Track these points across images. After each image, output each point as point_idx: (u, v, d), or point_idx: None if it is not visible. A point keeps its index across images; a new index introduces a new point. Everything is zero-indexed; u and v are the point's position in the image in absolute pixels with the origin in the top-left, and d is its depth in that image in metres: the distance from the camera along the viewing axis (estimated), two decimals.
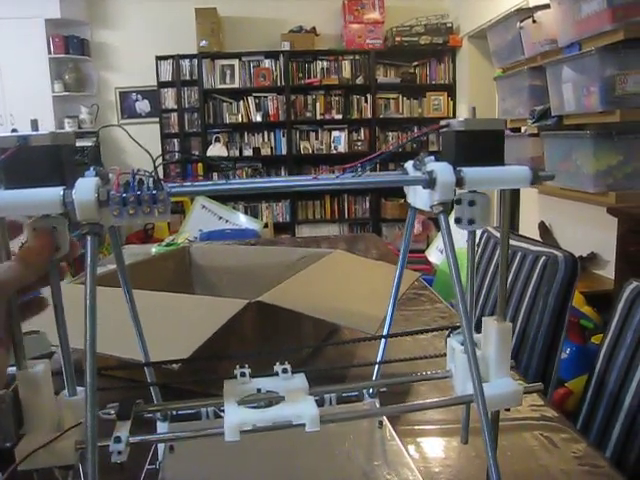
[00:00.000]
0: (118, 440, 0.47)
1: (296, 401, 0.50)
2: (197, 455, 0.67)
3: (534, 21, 3.13)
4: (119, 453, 0.47)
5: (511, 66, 3.64)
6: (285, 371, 0.54)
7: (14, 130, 0.44)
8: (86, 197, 0.41)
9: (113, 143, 5.66)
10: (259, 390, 0.53)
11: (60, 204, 0.42)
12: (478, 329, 0.55)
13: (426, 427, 0.86)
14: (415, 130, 5.69)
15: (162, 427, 0.69)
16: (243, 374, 0.54)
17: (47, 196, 0.42)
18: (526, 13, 3.23)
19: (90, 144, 5.36)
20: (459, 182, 0.44)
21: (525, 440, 0.81)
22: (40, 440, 0.47)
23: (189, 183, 0.46)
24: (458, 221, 0.47)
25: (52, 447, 0.46)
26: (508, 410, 0.53)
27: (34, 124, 0.44)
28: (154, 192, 0.42)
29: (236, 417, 0.47)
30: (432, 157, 0.47)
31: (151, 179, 0.43)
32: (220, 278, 1.41)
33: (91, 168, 0.44)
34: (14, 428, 0.48)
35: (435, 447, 0.82)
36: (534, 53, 3.20)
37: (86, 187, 0.42)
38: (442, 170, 0.44)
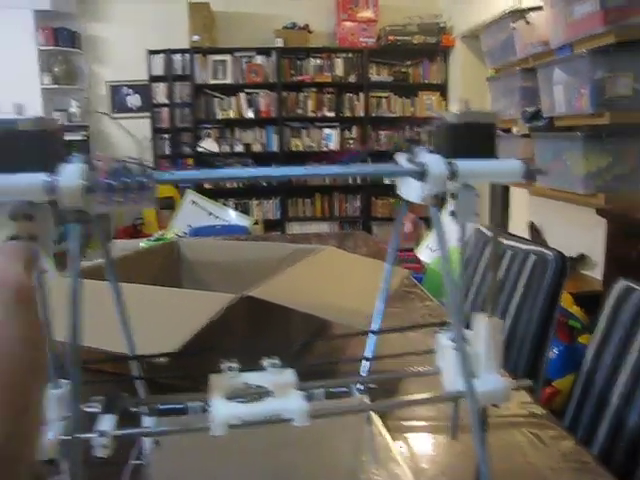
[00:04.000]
0: (102, 434, 0.46)
1: (285, 396, 0.50)
2: (184, 450, 0.67)
3: (527, 22, 3.14)
4: (103, 447, 0.46)
5: (503, 67, 3.65)
6: (273, 366, 0.53)
7: None
8: (72, 183, 0.40)
9: (103, 137, 5.63)
10: (246, 384, 0.52)
11: (44, 190, 0.41)
12: (467, 327, 0.55)
13: (415, 423, 0.86)
14: (407, 129, 5.69)
15: (148, 422, 0.68)
16: (231, 368, 0.53)
17: (31, 181, 0.41)
18: (519, 14, 3.24)
19: (80, 138, 5.32)
20: (452, 174, 0.44)
21: (513, 437, 0.81)
22: None
23: (186, 172, 0.46)
24: (453, 214, 0.46)
25: None
26: (496, 406, 0.53)
27: (18, 108, 0.43)
28: (142, 179, 0.41)
29: (223, 411, 0.47)
30: (425, 149, 0.46)
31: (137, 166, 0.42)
32: (209, 273, 1.40)
33: (77, 155, 0.44)
34: None
35: (424, 443, 0.81)
36: (526, 54, 3.21)
37: (72, 173, 0.41)
38: (434, 162, 0.44)
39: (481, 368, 0.52)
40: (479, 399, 0.51)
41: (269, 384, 0.52)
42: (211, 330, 0.81)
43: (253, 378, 0.53)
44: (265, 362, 0.55)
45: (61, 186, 0.40)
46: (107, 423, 0.47)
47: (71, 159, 0.43)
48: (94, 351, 0.79)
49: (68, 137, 5.26)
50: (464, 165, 0.44)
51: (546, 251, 1.30)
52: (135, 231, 5.29)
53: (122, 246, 2.42)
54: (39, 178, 0.41)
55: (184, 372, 0.86)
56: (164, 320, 0.85)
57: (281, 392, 0.50)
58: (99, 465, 0.49)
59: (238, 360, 0.56)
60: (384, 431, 0.73)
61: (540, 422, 0.85)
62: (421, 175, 0.44)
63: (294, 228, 5.70)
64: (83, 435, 0.45)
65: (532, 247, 1.38)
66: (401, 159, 0.49)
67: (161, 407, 0.58)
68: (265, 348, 0.94)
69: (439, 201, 0.44)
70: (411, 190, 0.47)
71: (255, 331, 0.95)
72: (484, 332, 0.52)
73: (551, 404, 2.46)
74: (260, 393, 0.51)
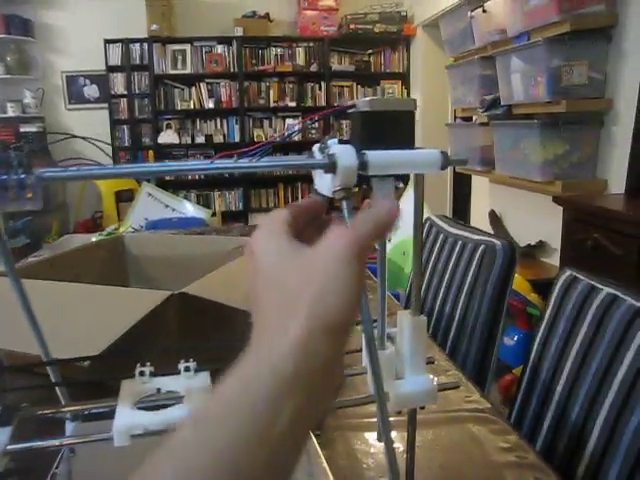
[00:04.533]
0: None
1: (195, 401, 0.47)
2: (99, 456, 0.63)
3: (484, 11, 3.14)
4: None
5: (462, 55, 3.65)
6: (187, 369, 0.50)
7: None
8: None
9: (60, 129, 5.48)
10: (159, 390, 0.49)
11: None
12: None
13: (354, 421, 0.83)
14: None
15: (70, 427, 0.65)
16: (142, 373, 0.50)
17: None
18: (477, 3, 3.24)
19: (35, 130, 5.16)
20: (362, 166, 0.41)
21: (456, 433, 0.80)
22: None
23: (73, 168, 0.42)
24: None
25: None
26: (422, 408, 0.51)
27: None
28: (22, 176, 0.38)
29: (126, 420, 0.44)
30: (335, 140, 0.43)
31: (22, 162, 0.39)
32: (155, 268, 1.36)
33: None
34: None
35: (362, 442, 0.79)
36: (484, 43, 3.21)
37: None
38: (344, 153, 0.41)
39: (406, 368, 0.50)
40: (404, 401, 0.49)
41: (182, 389, 0.49)
42: (145, 329, 0.78)
43: (166, 383, 0.50)
44: (180, 365, 0.52)
45: None
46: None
47: None
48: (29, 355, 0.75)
49: (23, 129, 5.10)
50: (376, 156, 0.42)
51: (495, 241, 1.29)
52: (94, 225, 5.18)
53: (74, 240, 2.35)
54: None
55: (111, 373, 0.83)
56: (94, 319, 0.81)
57: (193, 397, 0.48)
58: (15, 474, 0.46)
59: (172, 360, 0.53)
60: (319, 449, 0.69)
61: (483, 417, 0.84)
62: (331, 167, 0.41)
63: (257, 219, 5.64)
64: None
65: (482, 237, 1.37)
66: (315, 150, 0.46)
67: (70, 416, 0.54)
68: (201, 347, 0.91)
69: (350, 194, 0.42)
70: (324, 183, 0.44)
71: (192, 329, 0.92)
72: (408, 331, 0.50)
73: (510, 392, 2.49)
74: (171, 399, 0.48)
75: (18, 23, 5.14)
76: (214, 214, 4.15)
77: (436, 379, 0.51)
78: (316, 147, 0.47)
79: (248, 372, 0.31)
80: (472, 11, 3.28)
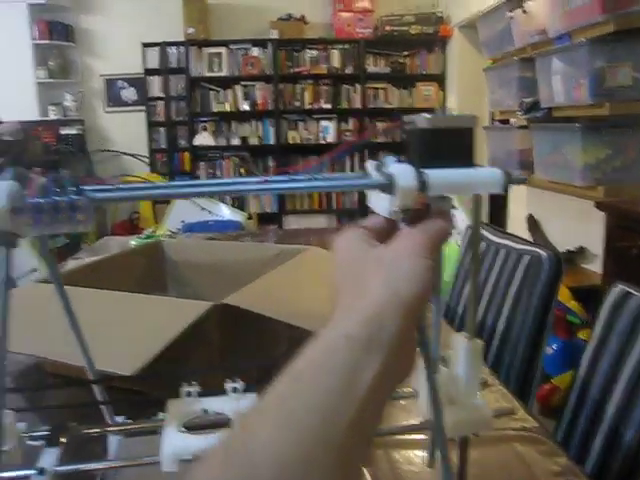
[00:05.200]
0: (42, 471, 0.42)
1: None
2: (145, 472, 0.63)
3: (524, 11, 3.08)
4: None
5: (501, 57, 3.59)
6: (235, 390, 0.49)
7: None
8: None
9: (98, 131, 5.57)
10: (206, 411, 0.48)
11: None
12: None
13: (398, 437, 0.81)
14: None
15: (113, 442, 0.64)
16: (189, 393, 0.49)
17: None
18: (516, 3, 3.18)
19: (75, 132, 5.26)
20: (422, 187, 0.40)
21: (502, 453, 0.77)
22: None
23: (120, 185, 0.41)
24: None
25: None
26: (476, 435, 0.49)
27: None
28: (73, 198, 0.37)
29: (174, 445, 0.43)
30: (393, 158, 0.42)
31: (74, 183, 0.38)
32: (194, 275, 1.36)
33: (9, 169, 0.39)
34: None
35: (408, 461, 0.77)
36: (524, 44, 3.15)
37: None
38: (402, 173, 0.39)
39: (461, 393, 0.48)
40: (457, 428, 0.47)
41: (229, 411, 0.48)
42: (186, 340, 0.78)
43: (213, 404, 0.49)
44: (227, 385, 0.51)
45: None
46: (48, 459, 0.43)
47: (1, 174, 0.39)
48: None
49: (63, 131, 5.21)
50: (436, 176, 0.40)
51: (541, 251, 1.26)
52: (132, 226, 5.25)
53: (111, 243, 2.38)
54: None
55: (151, 386, 0.82)
56: (135, 331, 0.81)
57: None
58: None
59: (212, 372, 0.52)
60: None
61: (531, 436, 0.81)
62: (388, 187, 0.39)
63: (291, 221, 5.65)
64: (11, 474, 0.41)
65: (526, 247, 1.33)
66: (370, 168, 0.45)
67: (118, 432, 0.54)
68: (241, 358, 0.90)
69: (408, 215, 0.40)
70: (379, 202, 0.43)
71: (233, 340, 0.91)
72: (464, 355, 0.48)
73: (549, 401, 2.43)
74: (218, 421, 0.47)
75: (60, 29, 5.25)
76: (250, 217, 4.16)
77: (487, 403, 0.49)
78: (370, 164, 0.45)
79: (326, 339, 0.34)
80: (511, 11, 3.22)
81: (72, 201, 0.37)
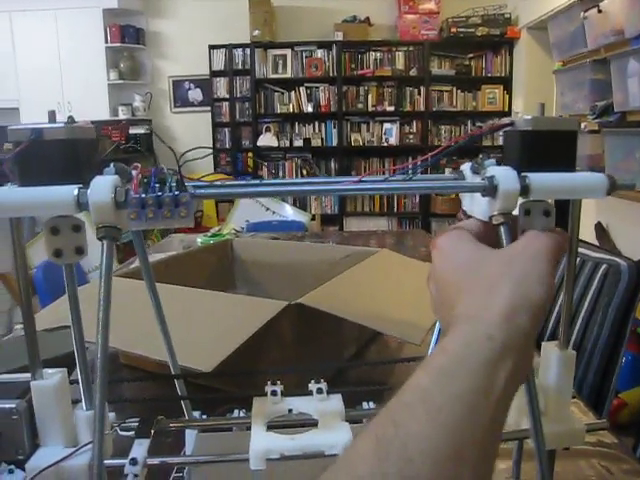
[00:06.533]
0: (134, 462, 0.43)
1: (330, 428, 0.45)
2: (225, 467, 0.64)
3: (599, 11, 2.98)
4: (135, 476, 0.43)
5: (572, 59, 3.48)
6: (320, 391, 0.49)
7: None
8: (102, 198, 0.37)
9: (165, 131, 5.72)
10: (290, 411, 0.48)
11: (74, 205, 0.38)
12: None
13: None
14: (469, 125, 5.53)
15: (190, 436, 0.65)
16: (274, 392, 0.49)
17: (60, 196, 0.38)
18: (590, 2, 3.08)
19: (143, 131, 5.43)
20: (524, 190, 0.38)
21: (581, 469, 0.74)
22: (52, 457, 0.43)
23: (219, 183, 0.42)
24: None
25: (64, 465, 0.43)
26: (567, 449, 0.47)
27: (51, 115, 0.40)
28: (176, 194, 0.37)
29: (263, 444, 0.43)
30: (493, 160, 0.41)
31: (174, 178, 0.39)
32: (262, 274, 1.38)
33: (111, 165, 0.40)
34: (28, 440, 0.45)
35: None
36: (598, 45, 3.04)
37: (102, 187, 0.38)
38: (505, 176, 0.38)
39: (550, 405, 0.47)
40: (547, 441, 0.45)
41: (314, 412, 0.48)
42: (260, 337, 0.78)
43: (298, 404, 0.49)
44: (311, 385, 0.51)
45: (90, 201, 0.37)
46: (140, 449, 0.44)
47: (105, 169, 0.40)
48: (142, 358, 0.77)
49: (132, 131, 5.38)
50: (539, 180, 0.39)
51: (619, 261, 1.21)
52: (195, 224, 5.36)
53: (181, 240, 2.44)
54: (68, 192, 0.38)
55: (230, 380, 0.83)
56: (213, 328, 0.82)
57: (327, 422, 0.46)
58: None
59: (288, 372, 0.53)
60: None
61: (611, 453, 0.78)
62: (490, 191, 0.38)
63: (351, 223, 5.64)
64: (110, 462, 0.42)
65: (603, 255, 1.28)
66: (466, 170, 0.44)
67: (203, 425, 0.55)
68: (313, 358, 0.90)
69: (509, 219, 0.39)
70: (477, 206, 0.42)
71: (305, 339, 0.91)
72: (556, 366, 0.46)
73: (617, 417, 2.34)
74: (304, 422, 0.47)
75: (132, 32, 5.43)
76: (313, 218, 4.16)
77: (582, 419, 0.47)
78: (466, 167, 0.44)
79: (466, 336, 0.35)
80: (585, 11, 3.12)
81: (176, 196, 0.37)
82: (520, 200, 0.39)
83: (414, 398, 0.33)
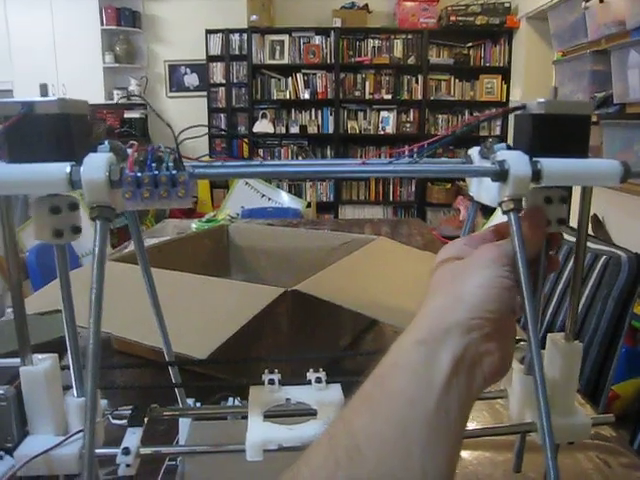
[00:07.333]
0: (126, 451, 0.41)
1: (329, 418, 0.44)
2: (220, 455, 0.62)
3: (601, 1, 2.95)
4: (127, 466, 0.41)
5: (572, 49, 3.45)
6: (319, 380, 0.48)
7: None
8: (95, 176, 0.35)
9: (160, 115, 5.67)
10: (288, 400, 0.47)
11: (66, 183, 0.36)
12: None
13: (475, 440, 0.79)
14: (466, 114, 5.50)
15: (184, 424, 0.64)
16: (272, 381, 0.48)
17: (52, 173, 0.36)
18: None
19: (138, 116, 5.38)
20: (535, 175, 0.37)
21: (579, 462, 0.74)
22: (42, 445, 0.42)
23: (219, 163, 0.40)
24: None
25: (53, 453, 0.41)
26: (571, 443, 0.46)
27: (43, 89, 0.38)
28: (173, 173, 0.36)
29: (260, 434, 0.42)
30: (503, 144, 0.39)
31: (172, 157, 0.37)
32: (258, 260, 1.36)
33: (105, 142, 0.39)
34: (16, 427, 0.44)
35: (483, 465, 0.75)
36: (599, 36, 3.02)
37: (96, 164, 0.36)
38: (516, 160, 0.37)
39: (556, 398, 0.46)
40: (555, 434, 0.44)
41: (313, 401, 0.47)
42: (256, 324, 0.77)
43: (295, 393, 0.48)
44: (310, 374, 0.50)
45: (84, 179, 0.35)
46: (133, 438, 0.43)
47: (99, 146, 0.39)
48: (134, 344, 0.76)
49: (127, 115, 5.33)
50: (551, 165, 0.37)
51: (619, 252, 1.20)
52: (189, 209, 5.33)
53: (175, 225, 2.42)
54: (60, 169, 0.36)
55: (225, 366, 0.82)
56: (209, 314, 0.81)
57: (325, 412, 0.45)
58: None
59: (284, 360, 0.51)
60: None
61: (609, 446, 0.77)
62: (500, 176, 0.37)
63: (347, 211, 5.62)
64: (102, 451, 0.41)
65: (603, 247, 1.27)
66: (474, 154, 0.42)
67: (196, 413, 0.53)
68: (309, 345, 0.88)
69: (520, 206, 0.37)
70: (485, 191, 0.40)
71: (301, 325, 0.90)
72: (562, 358, 0.45)
73: (610, 409, 2.34)
74: (302, 412, 0.45)
75: (128, 15, 5.37)
76: (309, 205, 4.15)
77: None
78: (474, 150, 0.42)
79: (401, 345, 0.38)
80: (587, 2, 3.09)
81: (173, 175, 0.35)
82: (532, 185, 0.38)
83: (359, 399, 0.37)
